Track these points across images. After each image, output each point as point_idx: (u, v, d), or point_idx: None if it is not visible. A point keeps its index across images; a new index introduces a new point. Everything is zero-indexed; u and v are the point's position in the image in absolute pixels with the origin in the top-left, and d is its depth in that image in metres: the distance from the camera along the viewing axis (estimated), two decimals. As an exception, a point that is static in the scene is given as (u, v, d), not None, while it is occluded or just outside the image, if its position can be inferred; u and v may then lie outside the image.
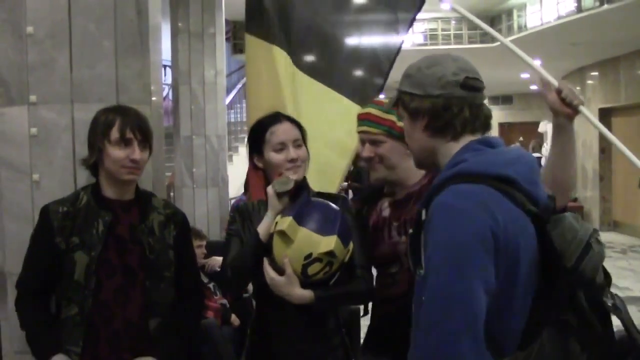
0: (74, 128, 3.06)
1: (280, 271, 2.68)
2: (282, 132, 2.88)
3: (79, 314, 2.78)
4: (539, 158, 17.06)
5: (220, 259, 5.78)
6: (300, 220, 2.64)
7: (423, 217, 1.89)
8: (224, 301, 5.68)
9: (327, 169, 3.95)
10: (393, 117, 2.93)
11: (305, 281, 2.68)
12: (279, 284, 2.67)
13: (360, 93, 4.20)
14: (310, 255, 2.63)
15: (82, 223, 2.81)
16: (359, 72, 4.34)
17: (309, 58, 4.29)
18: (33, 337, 2.82)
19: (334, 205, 2.78)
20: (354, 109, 3.92)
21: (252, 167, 3.01)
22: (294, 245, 2.63)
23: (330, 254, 2.63)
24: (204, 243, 6.09)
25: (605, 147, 16.18)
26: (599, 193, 16.48)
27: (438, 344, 1.72)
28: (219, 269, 5.78)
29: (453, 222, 1.77)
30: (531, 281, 1.83)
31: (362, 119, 3.06)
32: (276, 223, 2.69)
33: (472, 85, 2.01)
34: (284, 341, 2.83)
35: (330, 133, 4.09)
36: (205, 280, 5.64)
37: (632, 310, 2.02)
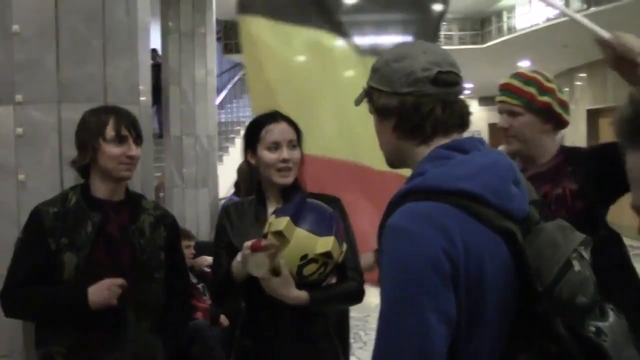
0: (61, 128, 3.05)
1: (274, 272, 2.65)
2: (277, 131, 2.86)
3: (68, 315, 2.76)
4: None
5: (208, 258, 5.80)
6: (296, 220, 2.62)
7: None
8: (213, 302, 5.67)
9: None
10: (533, 90, 2.86)
11: (300, 282, 2.67)
12: (275, 285, 2.63)
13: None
14: (306, 256, 2.62)
15: (71, 224, 2.80)
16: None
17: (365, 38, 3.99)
18: (50, 302, 2.78)
19: (327, 207, 2.77)
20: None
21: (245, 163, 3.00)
22: (290, 245, 2.61)
23: (327, 254, 2.62)
24: (193, 243, 6.08)
25: (594, 148, 16.23)
26: (587, 193, 16.50)
27: None
28: (207, 269, 5.79)
29: (402, 247, 1.59)
30: (507, 305, 1.64)
31: (502, 89, 2.96)
32: (270, 224, 2.67)
33: (445, 80, 1.78)
34: (274, 342, 2.81)
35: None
36: (194, 281, 5.63)
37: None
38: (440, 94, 1.76)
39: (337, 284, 2.83)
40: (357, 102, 1.96)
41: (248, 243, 2.61)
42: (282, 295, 2.65)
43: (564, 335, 1.59)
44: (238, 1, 3.78)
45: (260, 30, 3.79)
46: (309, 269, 2.64)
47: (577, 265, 1.61)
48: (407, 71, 1.76)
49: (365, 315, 8.44)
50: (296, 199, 2.75)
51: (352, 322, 6.99)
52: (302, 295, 2.67)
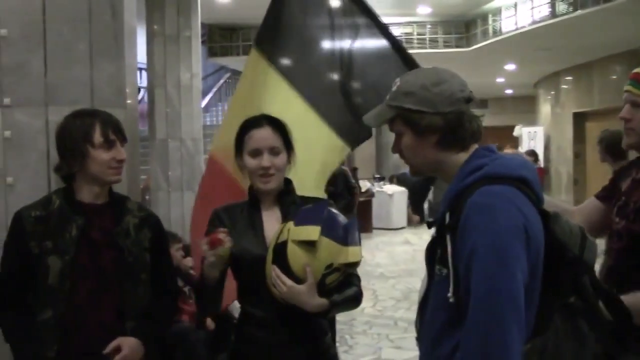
0: (49, 131, 3.04)
1: (295, 279, 2.64)
2: (258, 137, 2.85)
3: (53, 317, 2.76)
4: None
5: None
6: (322, 229, 2.62)
7: (447, 219, 2.00)
8: (200, 305, 5.65)
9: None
10: None
11: (320, 290, 2.67)
12: (299, 292, 2.63)
13: (351, 135, 4.18)
14: (331, 265, 2.63)
15: (55, 227, 2.79)
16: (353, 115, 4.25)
17: (312, 87, 4.23)
18: (18, 353, 2.80)
19: (342, 215, 2.78)
20: (340, 147, 4.07)
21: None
22: (318, 255, 2.61)
23: (353, 264, 2.66)
24: (182, 245, 6.06)
25: (579, 152, 16.32)
26: (572, 197, 16.60)
27: (487, 333, 1.82)
28: (192, 272, 5.78)
29: (492, 219, 1.88)
30: (540, 273, 1.95)
31: (631, 78, 2.78)
32: (289, 230, 2.65)
33: (472, 99, 2.12)
34: (270, 345, 2.80)
35: (311, 160, 4.02)
36: (181, 283, 5.62)
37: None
38: (469, 110, 2.11)
39: (345, 288, 2.81)
40: (377, 123, 2.24)
41: (205, 240, 2.66)
42: (305, 303, 2.65)
43: (591, 291, 2.01)
44: (257, 34, 4.31)
45: (256, 64, 4.19)
46: (332, 278, 2.66)
47: (590, 237, 2.03)
48: (448, 93, 2.07)
49: (351, 319, 8.45)
50: (319, 207, 2.76)
51: (338, 326, 7.01)
52: (323, 302, 2.68)
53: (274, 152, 2.85)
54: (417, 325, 2.21)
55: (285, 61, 4.21)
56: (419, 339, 2.21)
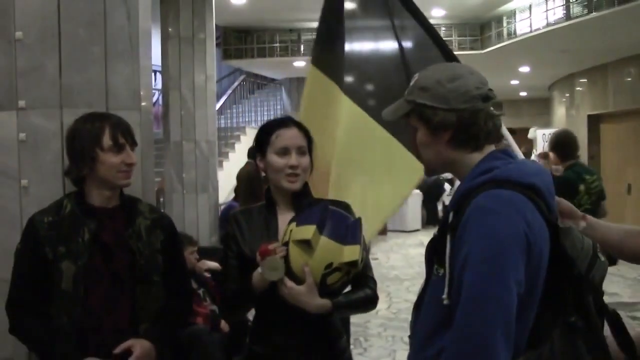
0: (63, 133, 3.04)
1: (296, 280, 2.65)
2: (287, 137, 2.86)
3: (68, 323, 2.77)
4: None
5: (209, 263, 5.81)
6: (320, 228, 2.62)
7: (450, 218, 1.97)
8: (214, 307, 5.66)
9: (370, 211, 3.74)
10: None
11: (322, 290, 2.66)
12: (299, 293, 2.64)
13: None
14: (330, 264, 2.61)
15: (67, 232, 2.80)
16: None
17: (377, 104, 4.05)
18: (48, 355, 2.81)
19: (347, 214, 2.79)
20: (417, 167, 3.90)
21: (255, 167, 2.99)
22: (316, 254, 2.61)
23: (352, 263, 2.63)
24: (196, 249, 6.07)
25: (594, 154, 16.23)
26: (587, 199, 16.49)
27: (472, 336, 1.79)
28: (207, 274, 5.79)
29: (492, 223, 1.85)
30: (541, 287, 1.90)
31: None
32: (291, 231, 2.66)
33: (490, 97, 2.07)
34: (286, 348, 2.80)
35: (384, 180, 3.95)
36: (195, 286, 5.62)
37: (621, 315, 2.09)
38: (486, 108, 2.05)
39: (355, 290, 2.82)
40: (394, 117, 2.19)
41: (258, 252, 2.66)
42: (306, 304, 2.65)
43: (593, 311, 1.95)
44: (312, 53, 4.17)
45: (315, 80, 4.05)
46: (333, 278, 2.65)
47: (602, 257, 1.99)
48: (463, 90, 2.02)
49: (365, 321, 8.44)
50: (319, 207, 2.75)
51: (352, 328, 6.99)
52: (325, 303, 2.67)
53: (301, 151, 2.86)
54: (411, 325, 2.19)
55: (347, 77, 4.07)
56: (411, 338, 2.18)
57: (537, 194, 1.94)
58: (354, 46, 4.10)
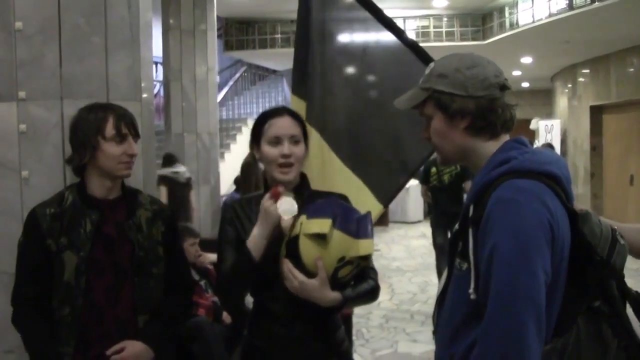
0: (64, 124, 3.04)
1: (306, 273, 2.62)
2: (279, 125, 2.81)
3: (71, 314, 2.76)
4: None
5: (211, 255, 5.79)
6: (333, 222, 2.59)
7: (471, 212, 1.98)
8: (216, 299, 5.65)
9: None
10: None
11: (332, 283, 2.64)
12: (311, 287, 2.60)
13: (383, 192, 3.99)
14: (343, 258, 2.58)
15: (69, 223, 2.79)
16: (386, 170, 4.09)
17: (342, 143, 4.01)
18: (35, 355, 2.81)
19: (355, 208, 2.76)
20: (375, 206, 3.86)
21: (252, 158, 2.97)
22: (329, 248, 2.58)
23: (365, 257, 2.61)
24: (198, 241, 6.06)
25: (596, 145, 16.22)
26: (590, 190, 16.51)
27: (504, 330, 1.79)
28: (210, 266, 5.77)
29: (515, 214, 1.85)
30: (564, 274, 1.92)
31: None
32: (301, 223, 2.62)
33: (507, 86, 2.09)
34: (286, 340, 2.79)
35: None
36: (197, 277, 5.62)
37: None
38: (503, 97, 2.07)
39: (360, 282, 2.79)
40: (409, 105, 2.18)
41: (267, 196, 2.67)
42: (319, 299, 2.63)
43: (617, 296, 1.98)
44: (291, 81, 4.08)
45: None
46: (344, 271, 2.62)
47: (621, 240, 1.98)
48: (481, 77, 2.04)
49: (367, 312, 8.44)
50: (329, 200, 2.74)
51: (354, 319, 6.99)
52: (337, 296, 2.65)
53: (294, 140, 2.82)
54: (435, 320, 2.18)
55: (314, 109, 3.94)
56: (435, 334, 2.18)
57: (555, 182, 1.95)
58: (316, 67, 4.00)
